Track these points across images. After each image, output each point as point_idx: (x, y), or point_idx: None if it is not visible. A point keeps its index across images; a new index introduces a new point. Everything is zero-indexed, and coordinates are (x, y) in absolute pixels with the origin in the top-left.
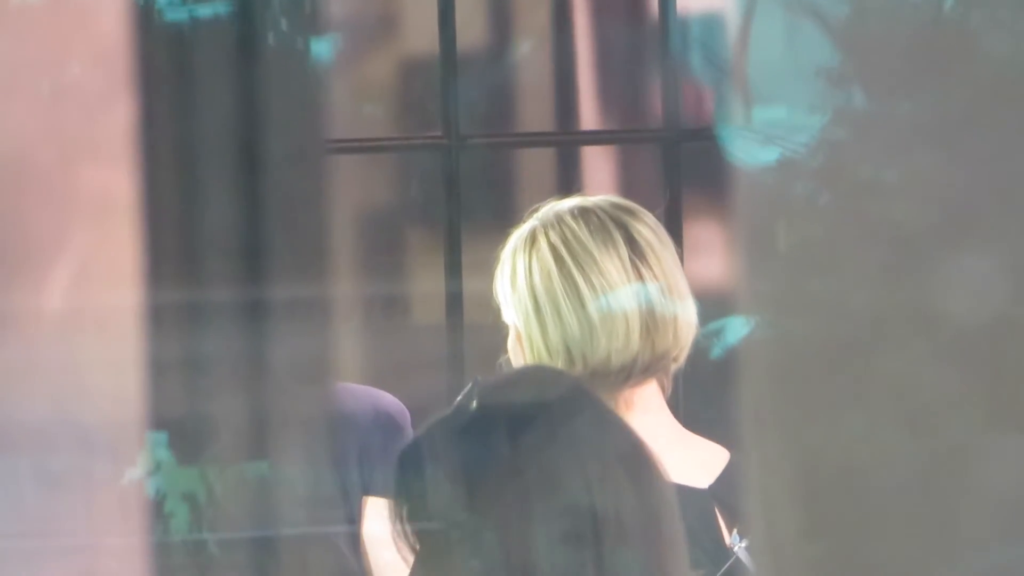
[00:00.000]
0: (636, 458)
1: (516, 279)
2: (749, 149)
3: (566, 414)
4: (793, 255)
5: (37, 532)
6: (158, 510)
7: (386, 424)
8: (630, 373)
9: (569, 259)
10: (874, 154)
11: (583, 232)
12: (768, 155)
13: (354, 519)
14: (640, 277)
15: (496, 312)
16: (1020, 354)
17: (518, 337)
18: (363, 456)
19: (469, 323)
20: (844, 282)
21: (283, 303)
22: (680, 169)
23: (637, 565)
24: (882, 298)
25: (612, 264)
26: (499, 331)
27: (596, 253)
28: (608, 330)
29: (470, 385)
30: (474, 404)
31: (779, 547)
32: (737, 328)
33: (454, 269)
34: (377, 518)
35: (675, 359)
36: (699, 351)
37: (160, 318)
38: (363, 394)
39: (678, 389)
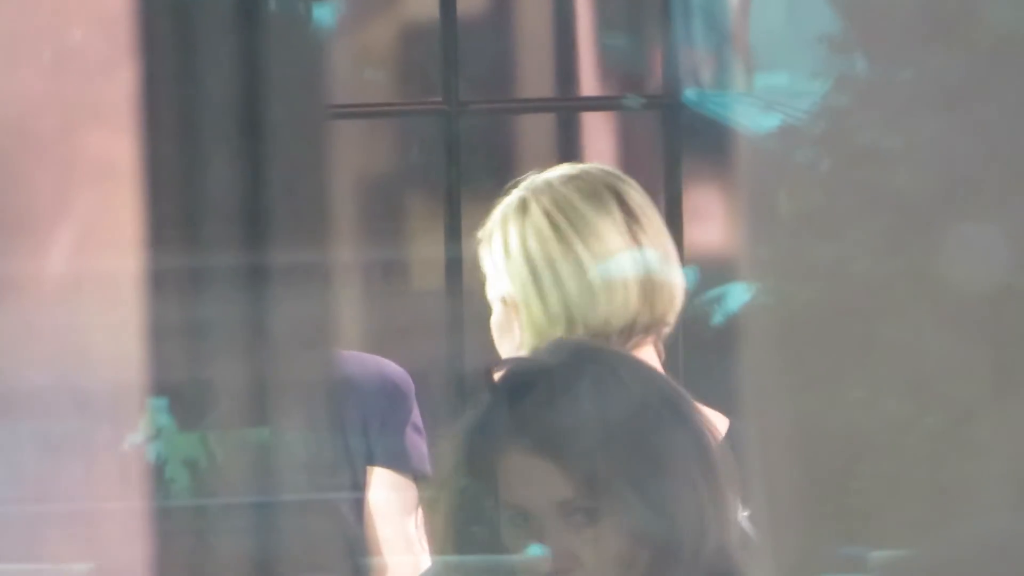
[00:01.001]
0: (682, 402)
1: (509, 247)
2: (751, 115)
3: (614, 377)
4: (794, 222)
5: (38, 497)
6: (159, 475)
7: (391, 394)
8: (630, 335)
9: (565, 223)
10: (876, 121)
11: (576, 197)
12: (770, 121)
13: (359, 487)
14: (635, 240)
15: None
16: (1022, 320)
17: (513, 307)
18: (368, 425)
19: (468, 288)
20: (846, 249)
21: (284, 268)
22: (680, 135)
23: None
24: (883, 265)
25: (607, 227)
26: None
27: (591, 216)
28: (608, 292)
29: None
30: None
31: (780, 512)
32: (738, 295)
33: (454, 234)
34: (381, 488)
35: (668, 322)
36: (700, 318)
37: (161, 283)
38: (369, 363)
39: (678, 355)
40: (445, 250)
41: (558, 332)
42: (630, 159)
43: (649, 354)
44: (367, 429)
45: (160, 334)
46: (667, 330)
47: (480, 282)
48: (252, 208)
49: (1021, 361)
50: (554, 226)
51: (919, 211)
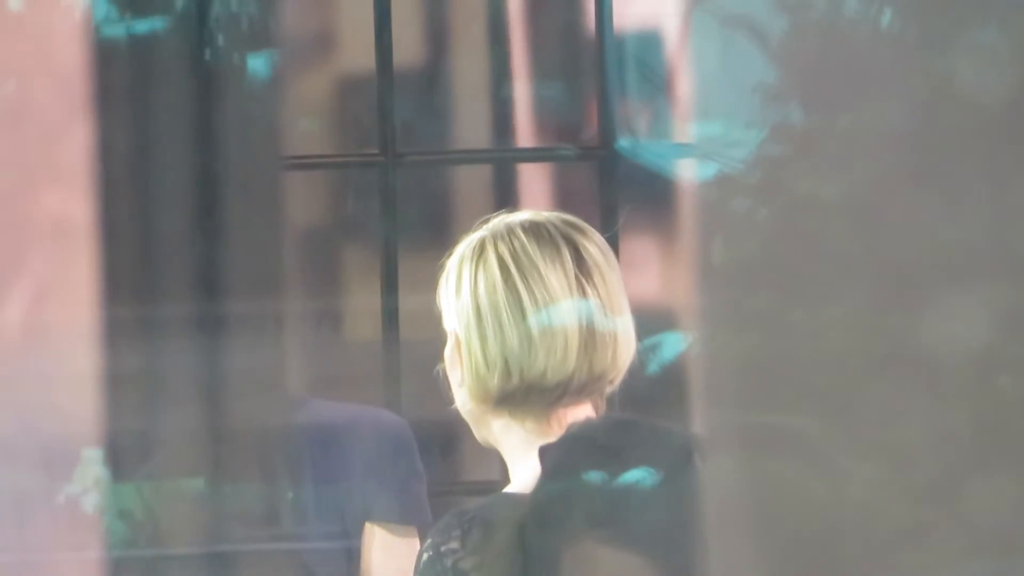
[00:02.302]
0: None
1: (461, 288)
2: (686, 165)
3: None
4: (731, 271)
5: None
6: (101, 525)
7: (391, 446)
8: (565, 391)
9: (515, 272)
10: (813, 170)
11: (532, 246)
12: (705, 171)
13: (349, 540)
14: (584, 295)
15: (434, 324)
16: (962, 359)
17: (457, 345)
18: (365, 479)
19: (405, 339)
20: (783, 298)
21: (232, 319)
22: (616, 185)
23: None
24: (821, 314)
25: (557, 280)
26: (435, 346)
27: (542, 267)
28: (547, 345)
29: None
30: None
31: (730, 565)
32: (673, 344)
33: (390, 285)
34: (382, 543)
35: (611, 381)
36: (635, 367)
37: (111, 335)
38: (365, 415)
39: (613, 403)
40: (382, 300)
41: (494, 378)
42: (566, 209)
43: (585, 413)
44: (365, 483)
45: (108, 386)
46: (609, 389)
47: (416, 333)
48: (203, 260)
49: (965, 393)
50: (505, 273)
51: (857, 260)
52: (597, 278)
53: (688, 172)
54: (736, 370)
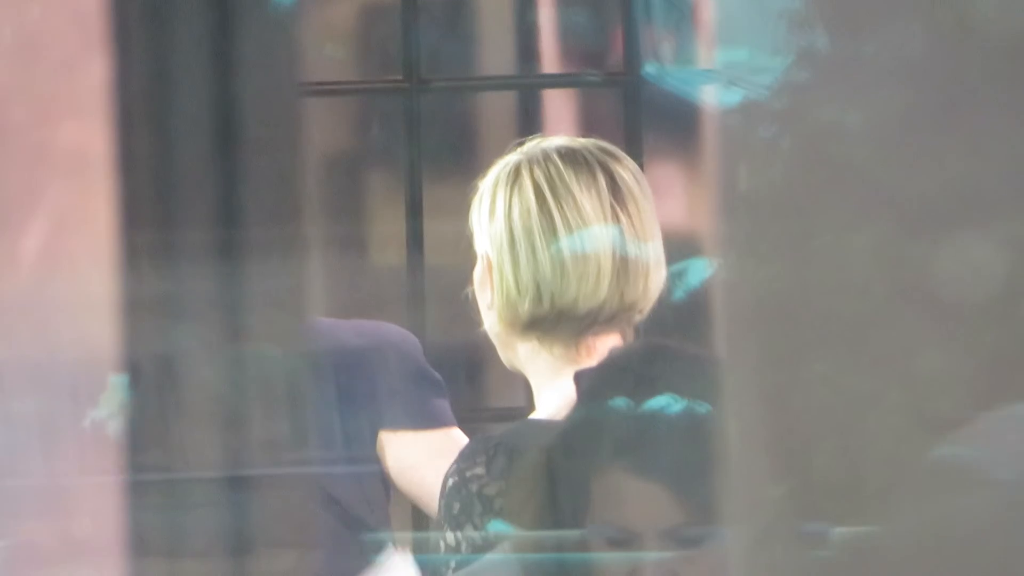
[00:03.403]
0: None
1: (495, 211)
2: (711, 91)
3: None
4: (755, 197)
5: (3, 472)
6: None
7: (397, 357)
8: (595, 319)
9: (551, 197)
10: (838, 97)
11: (568, 171)
12: (731, 97)
13: (369, 457)
14: (618, 222)
15: (459, 249)
16: (983, 292)
17: (488, 268)
18: (376, 391)
19: (430, 264)
20: (806, 225)
21: (254, 245)
22: (641, 111)
23: None
24: (844, 241)
25: (592, 206)
26: (460, 271)
27: (578, 193)
28: (580, 272)
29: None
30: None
31: (748, 492)
32: (698, 271)
33: (415, 211)
34: (405, 449)
35: (640, 311)
36: (661, 293)
37: (132, 262)
38: (370, 329)
39: (638, 330)
40: (407, 226)
41: (525, 303)
42: (591, 135)
43: (614, 342)
44: (376, 395)
45: (131, 312)
46: (638, 319)
47: (440, 258)
48: (225, 188)
49: (983, 329)
50: (540, 198)
51: (880, 188)
52: (631, 206)
53: (713, 98)
54: (759, 297)
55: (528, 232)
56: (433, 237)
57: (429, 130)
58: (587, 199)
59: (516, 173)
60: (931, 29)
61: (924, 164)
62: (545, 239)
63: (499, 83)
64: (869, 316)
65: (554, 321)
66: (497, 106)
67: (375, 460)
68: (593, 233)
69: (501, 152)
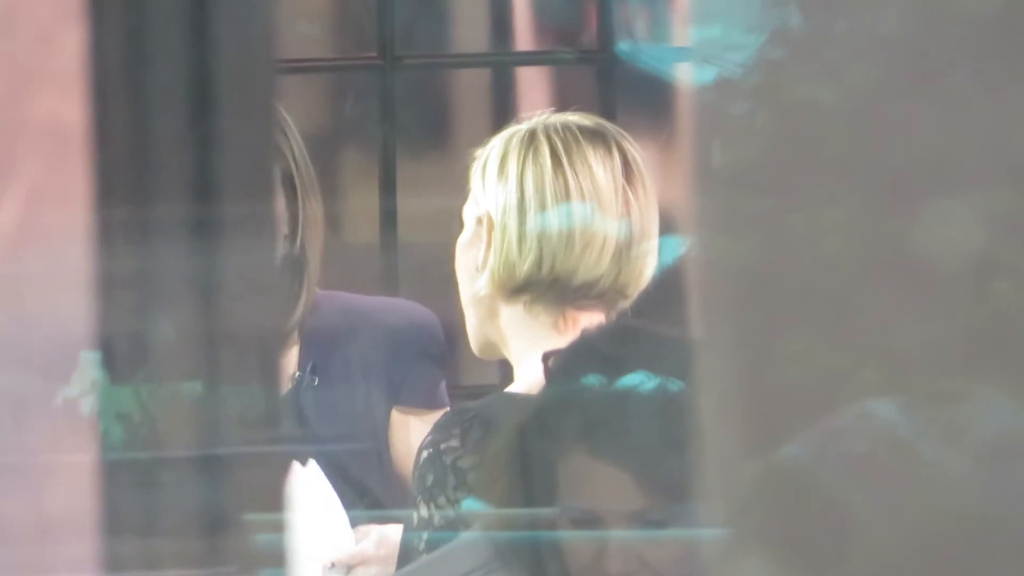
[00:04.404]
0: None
1: (506, 171)
2: (685, 69)
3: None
4: (729, 174)
5: None
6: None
7: (413, 334)
8: (587, 293)
9: (567, 163)
10: (811, 74)
11: (586, 143)
12: (704, 75)
13: (378, 434)
14: (627, 202)
15: (432, 226)
16: (959, 267)
17: (489, 227)
18: (389, 368)
19: (403, 241)
20: (781, 202)
21: (228, 221)
22: (615, 89)
23: None
24: (818, 218)
25: (605, 179)
26: (432, 249)
27: (594, 164)
28: (584, 241)
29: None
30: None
31: (722, 470)
32: (671, 247)
33: (388, 188)
34: (415, 429)
35: (627, 296)
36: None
37: (107, 237)
38: (382, 306)
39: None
40: (380, 203)
41: (525, 264)
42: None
43: (596, 320)
44: (389, 372)
45: (105, 288)
46: (623, 304)
47: (413, 236)
48: (199, 163)
49: (959, 301)
50: (556, 162)
51: (854, 164)
52: (640, 189)
53: (687, 76)
54: (733, 274)
55: (540, 193)
56: (407, 214)
57: (403, 107)
58: (602, 172)
59: (532, 138)
60: (904, 5)
61: (898, 140)
62: (556, 203)
63: (473, 60)
64: (844, 292)
65: (547, 287)
66: (471, 83)
67: (371, 437)
68: (604, 206)
69: (475, 129)
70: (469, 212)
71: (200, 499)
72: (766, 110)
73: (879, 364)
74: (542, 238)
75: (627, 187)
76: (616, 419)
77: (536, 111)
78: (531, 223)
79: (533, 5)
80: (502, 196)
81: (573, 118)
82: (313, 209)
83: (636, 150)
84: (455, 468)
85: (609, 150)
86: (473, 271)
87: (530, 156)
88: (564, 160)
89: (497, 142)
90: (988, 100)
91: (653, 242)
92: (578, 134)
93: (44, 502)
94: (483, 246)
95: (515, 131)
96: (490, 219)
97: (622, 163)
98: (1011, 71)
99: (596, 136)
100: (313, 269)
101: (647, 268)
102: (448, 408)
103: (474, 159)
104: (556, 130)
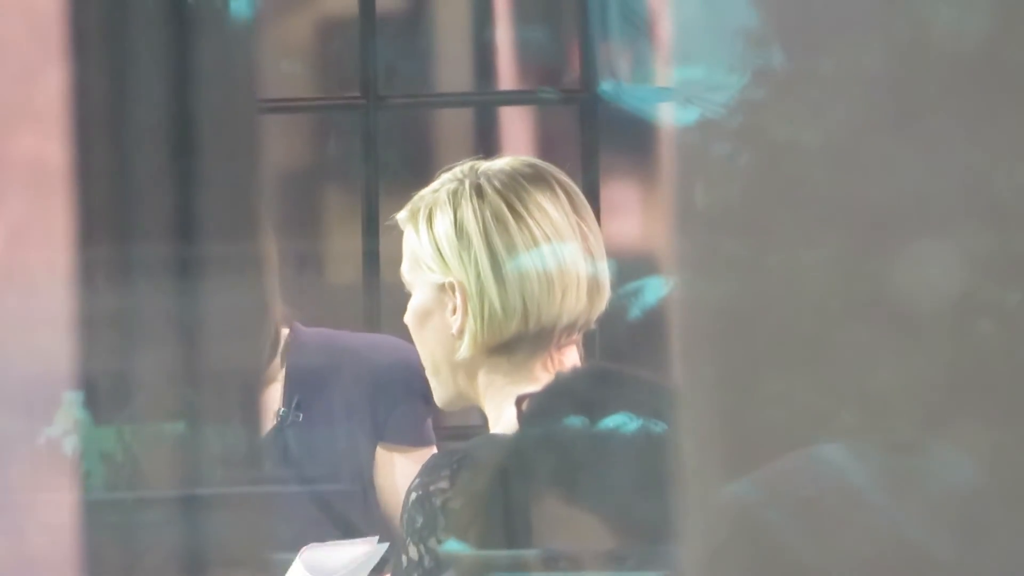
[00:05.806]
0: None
1: (465, 229)
2: (668, 109)
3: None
4: (711, 215)
5: None
6: (79, 468)
7: (398, 371)
8: (571, 331)
9: (525, 213)
10: (794, 114)
11: (533, 188)
12: (687, 115)
13: (363, 471)
14: (583, 236)
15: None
16: (939, 308)
17: (463, 295)
18: (374, 405)
19: (385, 281)
20: (763, 242)
21: (210, 261)
22: (597, 129)
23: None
24: (800, 258)
25: (562, 220)
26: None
27: (548, 208)
28: (563, 285)
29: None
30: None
31: (703, 510)
32: (654, 289)
33: (371, 228)
34: (400, 466)
35: (591, 324)
36: (617, 312)
37: (89, 276)
38: (367, 343)
39: (595, 349)
40: (363, 244)
41: (512, 323)
42: (548, 152)
43: (573, 352)
44: (374, 408)
45: (87, 328)
46: (589, 329)
47: (396, 277)
48: (182, 202)
49: (935, 345)
50: (515, 214)
51: (836, 205)
52: (589, 220)
53: (669, 116)
54: (715, 314)
55: (511, 250)
56: (389, 254)
57: (386, 147)
58: (556, 213)
59: (480, 193)
60: (886, 47)
61: (880, 182)
62: (529, 255)
63: (456, 100)
64: (826, 333)
65: (534, 337)
66: (454, 123)
67: (356, 474)
68: (568, 247)
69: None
70: (421, 279)
71: (182, 539)
72: (748, 151)
73: (860, 405)
74: (524, 293)
75: (577, 219)
76: (594, 461)
77: (461, 161)
78: (511, 281)
79: (516, 45)
80: (470, 262)
81: (505, 165)
82: (267, 245)
83: (568, 179)
84: (445, 510)
85: (552, 189)
86: (445, 337)
87: (487, 214)
88: (522, 210)
89: (438, 199)
90: (969, 141)
91: (605, 262)
92: (522, 180)
93: (26, 541)
94: (457, 313)
95: (453, 188)
96: (462, 287)
97: (566, 197)
98: (992, 112)
99: (538, 178)
100: (276, 307)
101: (607, 291)
102: (433, 445)
103: (406, 218)
104: (500, 180)
